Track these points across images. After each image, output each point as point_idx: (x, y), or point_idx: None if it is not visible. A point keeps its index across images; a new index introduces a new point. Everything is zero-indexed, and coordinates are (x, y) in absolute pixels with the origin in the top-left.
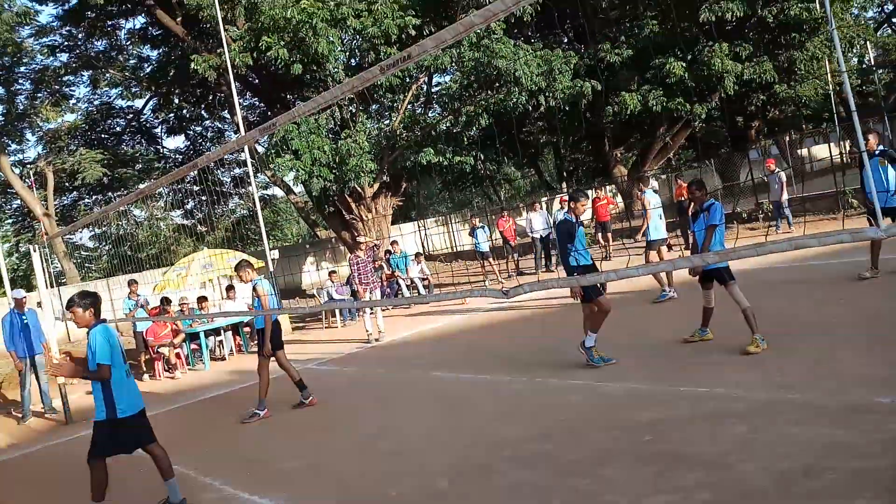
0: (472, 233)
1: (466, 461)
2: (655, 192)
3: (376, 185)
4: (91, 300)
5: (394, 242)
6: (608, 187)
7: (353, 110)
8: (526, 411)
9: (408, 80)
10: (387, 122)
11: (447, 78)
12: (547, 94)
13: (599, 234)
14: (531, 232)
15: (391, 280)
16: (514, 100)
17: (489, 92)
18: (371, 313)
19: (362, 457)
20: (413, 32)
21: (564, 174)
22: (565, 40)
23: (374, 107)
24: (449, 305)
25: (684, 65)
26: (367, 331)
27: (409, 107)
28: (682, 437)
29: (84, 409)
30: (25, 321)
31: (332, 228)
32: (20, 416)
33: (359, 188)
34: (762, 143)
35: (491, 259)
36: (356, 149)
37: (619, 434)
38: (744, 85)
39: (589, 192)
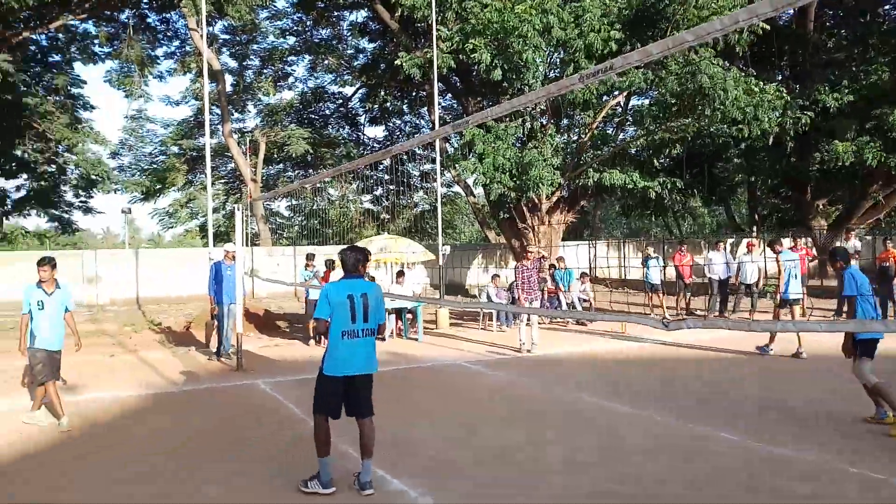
0: (645, 262)
1: (604, 491)
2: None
3: (554, 198)
4: (333, 262)
5: (560, 258)
6: (803, 239)
7: (544, 122)
8: (671, 454)
9: (604, 98)
10: (575, 138)
11: (645, 101)
12: (752, 126)
13: None
14: (709, 272)
15: (553, 295)
16: (715, 126)
17: (688, 117)
18: (527, 323)
19: (499, 462)
20: (615, 48)
21: (756, 217)
22: (779, 77)
23: (564, 121)
24: (608, 329)
25: None
26: (520, 340)
27: (600, 125)
28: None
29: (254, 360)
30: (229, 273)
31: (503, 234)
32: (209, 353)
33: (536, 199)
34: None
35: (660, 293)
36: (539, 160)
37: (768, 500)
38: None
39: (785, 241)
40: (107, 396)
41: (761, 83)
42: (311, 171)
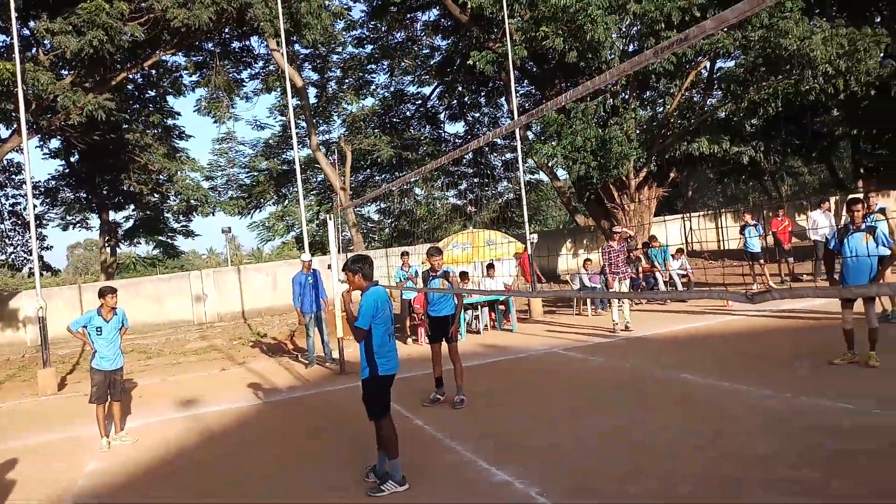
0: (743, 230)
1: (713, 472)
2: None
3: (642, 174)
4: (360, 264)
5: (653, 237)
6: None
7: (626, 97)
8: (784, 431)
9: (686, 65)
10: (660, 109)
11: (731, 63)
12: (848, 77)
13: None
14: (813, 235)
15: (648, 274)
16: (807, 85)
17: (777, 77)
18: (619, 305)
19: (603, 447)
20: (698, 14)
21: (862, 171)
22: (878, 19)
23: (647, 93)
24: (708, 306)
25: None
26: (613, 321)
27: (685, 93)
28: None
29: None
30: (311, 281)
31: (591, 216)
32: (306, 362)
33: (622, 176)
34: None
35: (762, 261)
36: (621, 136)
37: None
38: None
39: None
40: (222, 408)
41: (855, 30)
42: (396, 173)
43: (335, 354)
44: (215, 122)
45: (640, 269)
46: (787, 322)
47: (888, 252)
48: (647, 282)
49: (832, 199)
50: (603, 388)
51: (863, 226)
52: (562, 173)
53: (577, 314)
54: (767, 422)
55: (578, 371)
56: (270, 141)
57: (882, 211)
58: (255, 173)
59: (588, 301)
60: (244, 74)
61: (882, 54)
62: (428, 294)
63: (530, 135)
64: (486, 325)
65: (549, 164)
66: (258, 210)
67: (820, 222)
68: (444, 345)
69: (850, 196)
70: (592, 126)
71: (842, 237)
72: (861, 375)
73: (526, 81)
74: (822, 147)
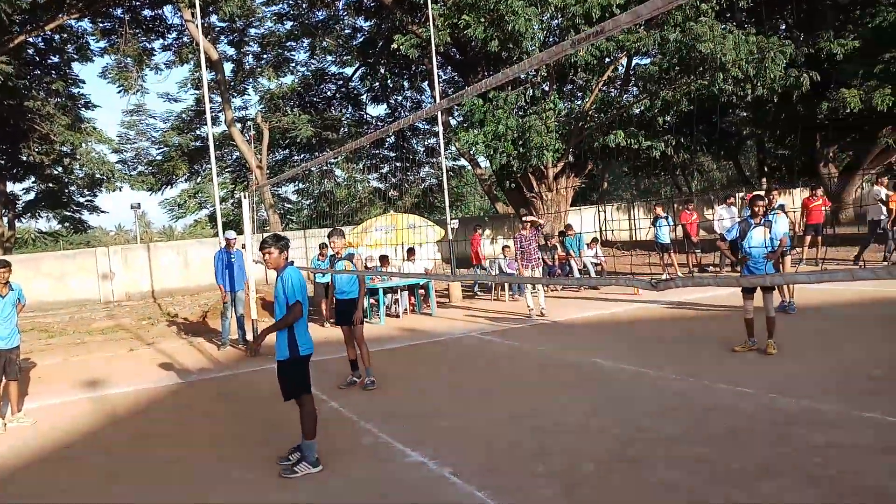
0: (655, 222)
1: (619, 452)
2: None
3: (560, 165)
4: (284, 243)
5: (568, 226)
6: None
7: (546, 88)
8: (689, 412)
9: (607, 60)
10: (579, 102)
11: (647, 61)
12: (756, 82)
13: (809, 238)
14: (719, 229)
15: (564, 262)
16: (719, 87)
17: (691, 77)
18: (533, 291)
19: (513, 428)
20: (618, 13)
21: (766, 169)
22: (783, 26)
23: (567, 87)
24: (620, 293)
25: None
26: (528, 307)
27: (603, 88)
28: (858, 467)
29: (270, 345)
30: (233, 260)
31: (511, 204)
32: (219, 343)
33: (541, 166)
34: None
35: (671, 252)
36: (541, 127)
37: (786, 451)
38: None
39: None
40: (129, 390)
41: (764, 38)
42: (316, 154)
43: (248, 336)
44: (120, 91)
45: (556, 256)
46: (694, 311)
47: (778, 243)
48: (562, 269)
49: (738, 195)
50: (517, 371)
51: (762, 220)
52: (483, 161)
53: (495, 299)
54: (672, 404)
55: (494, 355)
56: (183, 115)
57: (781, 207)
58: (167, 148)
59: (506, 287)
60: (156, 45)
61: (786, 62)
62: (334, 278)
63: (453, 122)
64: (405, 309)
65: (471, 152)
66: (170, 186)
67: (724, 216)
68: None
69: (754, 193)
70: (513, 115)
71: (744, 230)
72: (759, 362)
73: (449, 68)
74: (729, 145)
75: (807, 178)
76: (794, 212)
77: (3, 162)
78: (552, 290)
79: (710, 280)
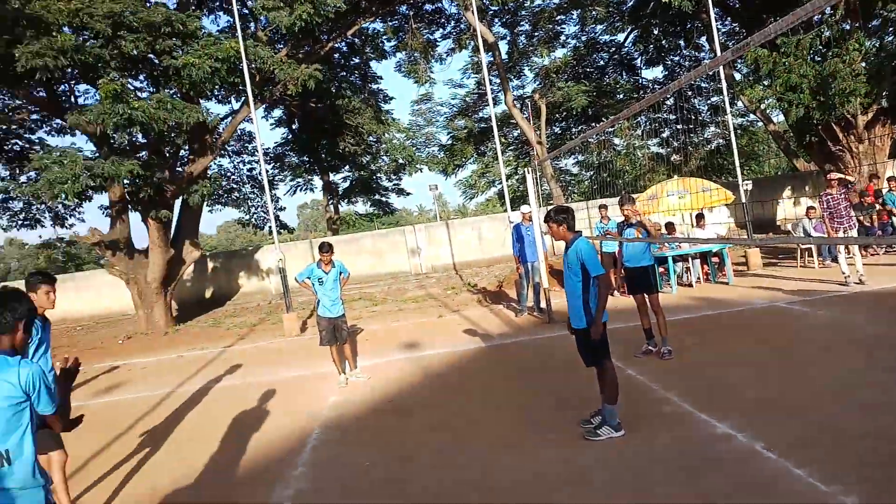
0: None
1: None
2: None
3: (872, 111)
4: (564, 215)
5: (891, 178)
6: None
7: (847, 28)
8: None
9: None
10: (890, 38)
11: None
12: None
13: None
14: None
15: (886, 221)
16: None
17: None
18: (848, 256)
19: (832, 404)
20: None
21: None
22: None
23: (874, 22)
24: None
25: None
26: (843, 273)
27: None
28: None
29: (562, 312)
30: (528, 233)
31: (813, 160)
32: (518, 309)
33: (848, 115)
34: None
35: None
36: (846, 71)
37: None
38: None
39: None
40: (442, 352)
41: None
42: (594, 123)
43: (542, 304)
44: (416, 83)
45: (874, 216)
46: None
47: None
48: (883, 230)
49: None
50: (829, 344)
51: None
52: (776, 116)
53: (802, 266)
54: None
55: (801, 325)
56: (467, 99)
57: None
58: (454, 132)
59: (814, 251)
60: (437, 35)
61: None
62: (623, 245)
63: (737, 76)
64: (698, 278)
65: (762, 107)
66: (460, 168)
67: None
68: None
69: None
70: (808, 62)
71: None
72: None
73: (728, 19)
74: None
75: None
76: None
77: (324, 156)
78: (870, 254)
79: None
